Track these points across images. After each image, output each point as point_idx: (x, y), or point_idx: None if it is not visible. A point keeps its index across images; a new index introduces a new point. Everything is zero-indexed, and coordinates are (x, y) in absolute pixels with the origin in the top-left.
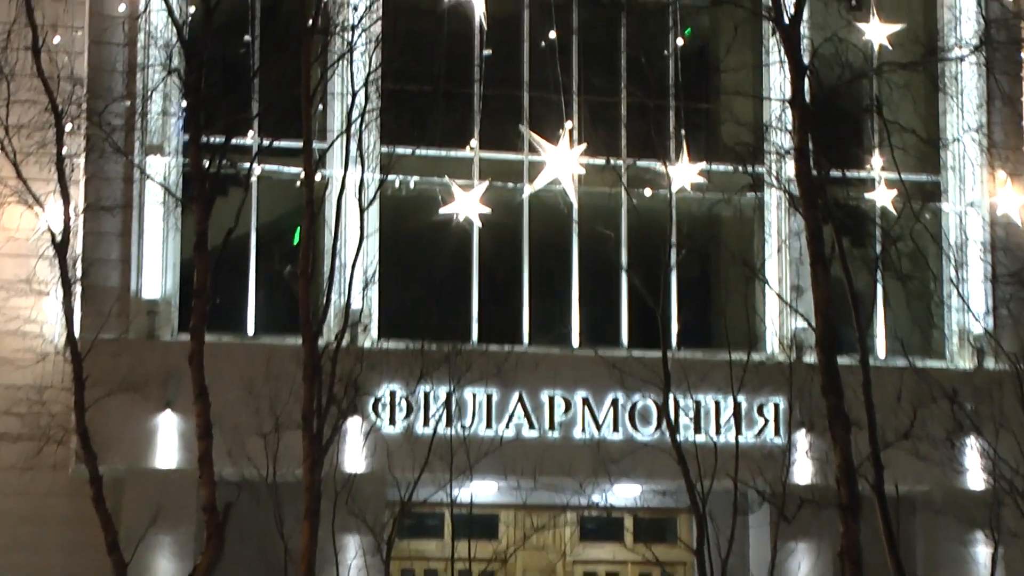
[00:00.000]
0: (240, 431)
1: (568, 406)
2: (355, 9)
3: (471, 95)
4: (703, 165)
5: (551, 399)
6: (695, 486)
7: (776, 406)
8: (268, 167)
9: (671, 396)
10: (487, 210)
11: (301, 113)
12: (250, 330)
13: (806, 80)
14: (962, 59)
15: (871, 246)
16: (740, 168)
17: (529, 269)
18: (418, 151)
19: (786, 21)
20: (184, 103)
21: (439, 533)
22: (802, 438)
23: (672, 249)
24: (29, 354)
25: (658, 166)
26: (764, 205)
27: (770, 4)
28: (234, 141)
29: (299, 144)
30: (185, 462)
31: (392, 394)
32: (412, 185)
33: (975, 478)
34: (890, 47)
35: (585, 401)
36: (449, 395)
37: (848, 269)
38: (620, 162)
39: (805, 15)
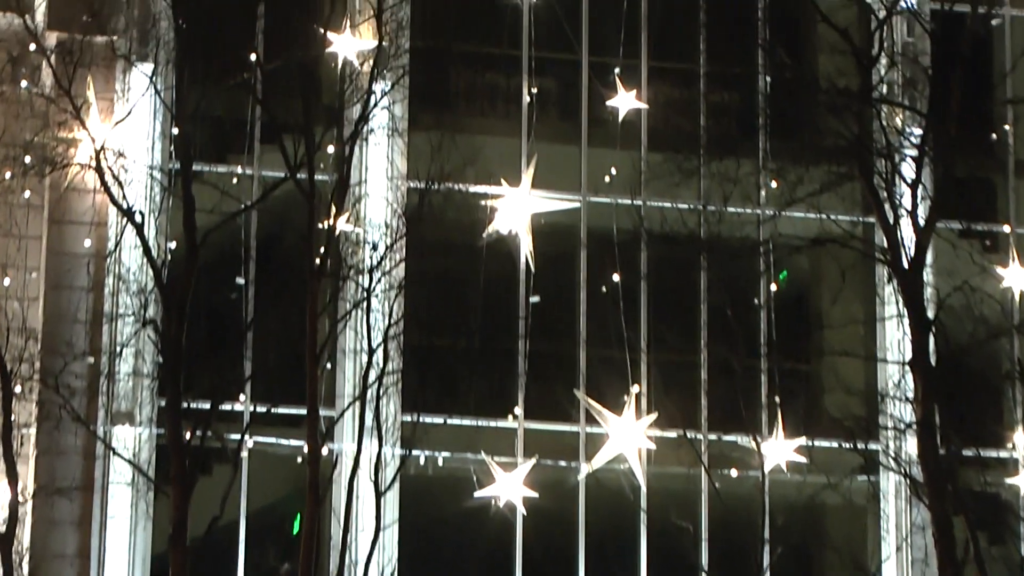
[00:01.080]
0: None
1: None
2: (374, 248)
3: (514, 352)
4: (802, 441)
5: None
6: None
7: None
8: (263, 439)
9: None
10: (534, 494)
11: (305, 374)
12: None
13: (931, 338)
14: None
15: (1014, 545)
16: (849, 446)
17: (586, 567)
18: (449, 421)
19: (906, 265)
20: (160, 361)
21: None
22: None
23: (765, 546)
24: None
25: (747, 442)
26: (880, 492)
27: (885, 245)
28: (221, 407)
29: (302, 412)
30: None
31: None
32: (441, 462)
33: None
34: None
35: None
36: None
37: (986, 573)
38: (699, 436)
39: (929, 258)
